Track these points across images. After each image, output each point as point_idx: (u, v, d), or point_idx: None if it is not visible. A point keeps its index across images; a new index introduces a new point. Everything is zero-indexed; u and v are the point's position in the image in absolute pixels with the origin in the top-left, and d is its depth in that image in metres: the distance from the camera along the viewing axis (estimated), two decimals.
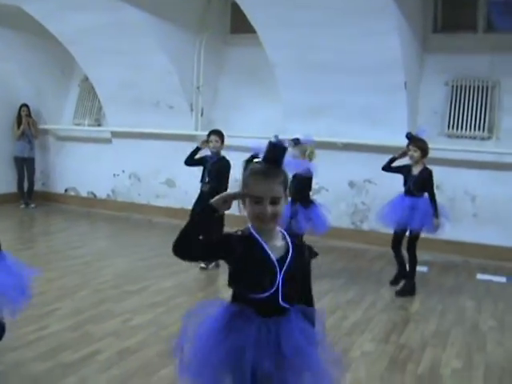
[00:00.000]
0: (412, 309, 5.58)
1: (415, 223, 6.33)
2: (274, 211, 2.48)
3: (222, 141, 7.37)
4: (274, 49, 8.89)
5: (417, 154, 6.44)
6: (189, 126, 10.29)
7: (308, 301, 2.66)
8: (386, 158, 6.84)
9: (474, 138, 8.73)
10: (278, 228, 2.59)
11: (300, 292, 2.61)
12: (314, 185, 7.38)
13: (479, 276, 7.46)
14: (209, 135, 7.44)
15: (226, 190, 6.55)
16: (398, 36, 8.10)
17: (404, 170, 6.61)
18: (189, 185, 9.99)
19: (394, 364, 4.58)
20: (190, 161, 7.47)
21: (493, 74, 8.84)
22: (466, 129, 8.76)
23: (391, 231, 6.70)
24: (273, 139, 2.57)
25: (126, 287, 6.22)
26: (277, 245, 2.56)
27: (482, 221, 8.48)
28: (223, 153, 7.41)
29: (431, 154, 8.20)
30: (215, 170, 7.20)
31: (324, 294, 6.05)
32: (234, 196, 2.53)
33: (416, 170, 6.50)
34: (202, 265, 7.10)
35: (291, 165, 2.69)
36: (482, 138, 8.71)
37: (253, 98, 10.10)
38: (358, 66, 8.45)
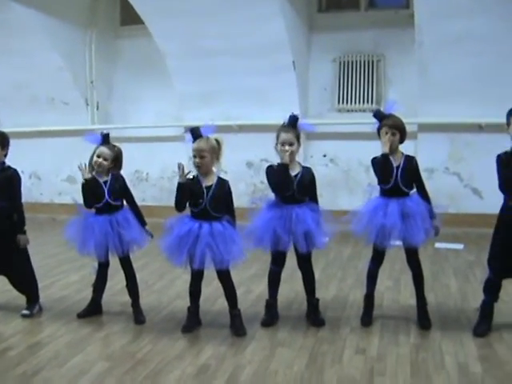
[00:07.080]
0: None
1: (414, 232, 4.69)
2: (290, 150, 4.59)
3: (3, 144, 5.05)
4: (163, 38, 9.01)
5: (397, 138, 4.64)
6: (85, 121, 10.30)
7: (314, 201, 4.82)
8: None
9: (364, 110, 9.12)
10: (297, 161, 4.79)
11: (309, 194, 4.78)
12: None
13: None
14: None
15: (21, 207, 5.22)
16: (283, 18, 8.37)
17: (382, 165, 4.68)
18: None
19: (296, 329, 4.81)
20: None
21: (377, 48, 9.26)
22: (355, 102, 9.14)
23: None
24: (292, 113, 4.73)
25: None
26: (294, 168, 4.71)
27: (377, 189, 8.78)
28: None
29: (323, 129, 8.47)
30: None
31: None
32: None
33: (397, 160, 4.71)
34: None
35: None
36: (371, 111, 9.04)
37: (148, 89, 10.19)
38: (246, 50, 8.68)
